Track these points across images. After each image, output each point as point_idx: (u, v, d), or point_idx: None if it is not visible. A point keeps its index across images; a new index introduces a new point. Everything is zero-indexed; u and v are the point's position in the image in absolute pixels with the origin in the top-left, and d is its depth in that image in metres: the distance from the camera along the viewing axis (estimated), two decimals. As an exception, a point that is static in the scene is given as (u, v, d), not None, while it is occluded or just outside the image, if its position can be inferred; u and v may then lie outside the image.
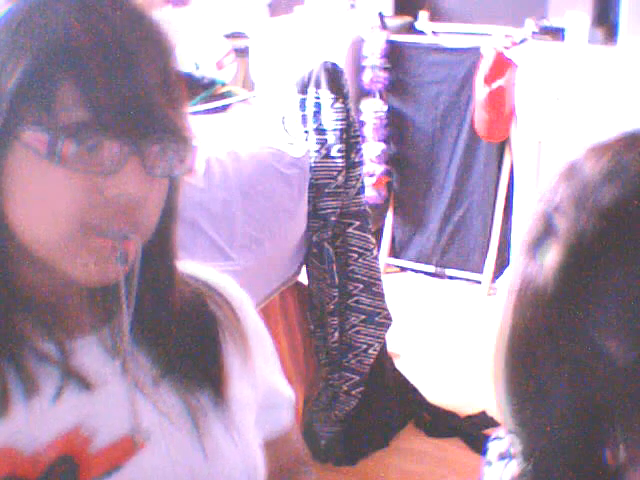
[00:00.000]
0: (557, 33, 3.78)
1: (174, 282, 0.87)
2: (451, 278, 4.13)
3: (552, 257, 0.61)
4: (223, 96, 2.85)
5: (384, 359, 2.88)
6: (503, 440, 0.71)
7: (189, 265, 0.94)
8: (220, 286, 0.96)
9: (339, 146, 2.56)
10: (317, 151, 2.56)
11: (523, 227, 0.67)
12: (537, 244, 0.64)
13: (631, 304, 0.59)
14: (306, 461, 1.07)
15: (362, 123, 3.92)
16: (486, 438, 0.78)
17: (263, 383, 0.98)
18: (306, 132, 2.59)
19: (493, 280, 3.96)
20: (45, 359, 0.79)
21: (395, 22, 4.14)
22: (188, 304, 0.89)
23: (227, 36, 3.72)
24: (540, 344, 0.63)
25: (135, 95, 0.73)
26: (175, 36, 0.79)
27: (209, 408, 0.87)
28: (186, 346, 0.87)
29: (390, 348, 2.97)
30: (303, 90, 2.61)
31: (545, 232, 0.63)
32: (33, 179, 0.73)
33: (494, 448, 0.73)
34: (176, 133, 0.76)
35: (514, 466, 0.67)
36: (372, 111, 3.98)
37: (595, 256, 0.60)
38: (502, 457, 0.70)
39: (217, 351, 0.90)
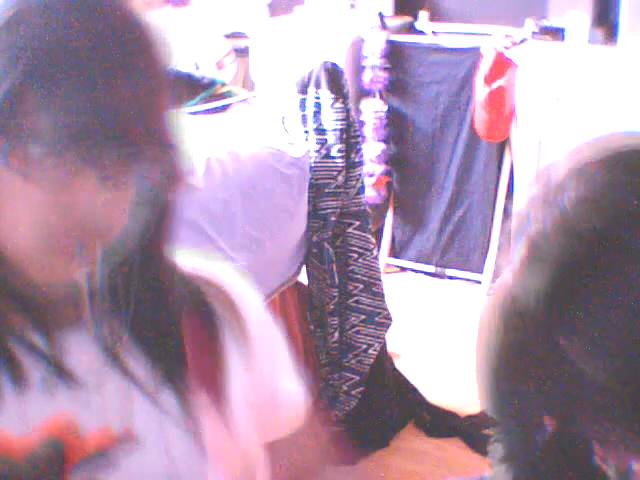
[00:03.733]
0: (557, 33, 3.77)
1: (172, 282, 0.86)
2: (451, 278, 4.13)
3: (541, 276, 0.62)
4: (223, 96, 2.84)
5: (384, 359, 2.88)
6: (504, 443, 0.71)
7: (193, 261, 0.93)
8: (223, 283, 0.94)
9: (339, 146, 2.56)
10: (317, 151, 2.56)
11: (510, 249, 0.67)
12: (527, 263, 0.64)
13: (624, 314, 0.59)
14: (311, 463, 1.07)
15: (362, 123, 3.92)
16: (486, 438, 0.78)
17: (268, 382, 0.96)
18: (306, 132, 2.59)
19: (493, 280, 3.96)
20: (36, 352, 0.79)
21: (395, 22, 4.14)
22: (188, 303, 0.88)
23: (227, 36, 3.71)
24: (540, 344, 0.63)
25: (133, 97, 0.72)
26: (173, 37, 0.79)
27: (208, 406, 0.87)
28: (185, 345, 0.87)
29: (390, 348, 2.97)
30: (303, 90, 2.61)
31: (534, 253, 0.63)
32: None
33: (495, 451, 0.73)
34: (171, 137, 0.76)
35: (514, 468, 0.67)
36: (372, 111, 3.98)
37: (586, 272, 0.60)
38: (503, 460, 0.70)
39: (217, 349, 0.90)
